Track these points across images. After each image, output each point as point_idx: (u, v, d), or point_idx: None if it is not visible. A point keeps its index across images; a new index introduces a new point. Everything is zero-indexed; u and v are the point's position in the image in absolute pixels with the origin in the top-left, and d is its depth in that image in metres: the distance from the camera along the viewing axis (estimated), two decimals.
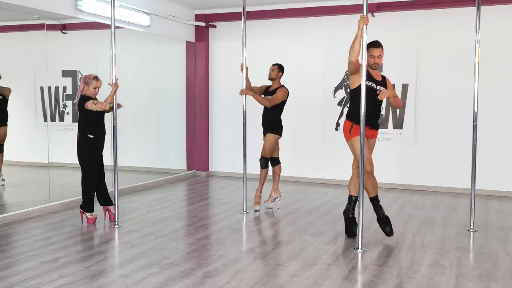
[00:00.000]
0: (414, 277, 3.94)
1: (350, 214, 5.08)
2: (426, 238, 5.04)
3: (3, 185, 6.69)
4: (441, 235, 5.16)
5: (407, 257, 4.45)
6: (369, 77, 4.81)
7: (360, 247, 4.59)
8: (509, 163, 7.26)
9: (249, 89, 6.06)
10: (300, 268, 4.13)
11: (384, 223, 4.95)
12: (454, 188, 7.51)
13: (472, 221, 5.34)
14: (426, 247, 4.72)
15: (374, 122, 5.01)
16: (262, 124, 6.29)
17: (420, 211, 6.23)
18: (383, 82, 5.00)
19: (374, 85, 4.87)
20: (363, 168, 4.64)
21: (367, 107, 4.61)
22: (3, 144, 6.64)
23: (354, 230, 4.95)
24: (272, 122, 6.19)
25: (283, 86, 6.18)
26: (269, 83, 6.34)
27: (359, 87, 4.69)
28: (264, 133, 6.29)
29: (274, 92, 6.14)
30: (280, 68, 6.17)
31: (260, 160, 6.24)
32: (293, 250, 4.65)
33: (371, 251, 4.60)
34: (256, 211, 6.19)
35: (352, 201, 5.08)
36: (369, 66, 4.82)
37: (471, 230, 5.31)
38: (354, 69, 4.79)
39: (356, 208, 4.94)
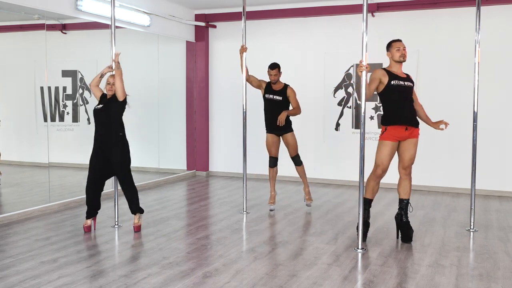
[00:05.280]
0: (414, 277, 3.94)
1: (404, 219, 4.91)
2: (426, 238, 5.04)
3: None
4: (441, 235, 5.16)
5: (407, 257, 4.45)
6: (395, 76, 4.80)
7: (360, 247, 4.59)
8: (509, 163, 7.26)
9: (285, 111, 6.00)
10: (300, 268, 4.13)
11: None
12: (454, 188, 7.51)
13: (472, 221, 5.34)
14: (426, 247, 4.71)
15: (410, 119, 4.88)
16: (276, 127, 6.12)
17: (420, 211, 6.23)
18: (409, 78, 4.93)
19: (402, 82, 4.81)
20: (362, 169, 4.64)
21: (401, 106, 4.77)
22: None
23: (410, 235, 4.85)
24: (287, 122, 6.16)
25: (288, 85, 6.16)
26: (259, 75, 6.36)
27: (383, 89, 4.79)
28: (279, 134, 6.17)
29: (282, 91, 6.08)
30: (279, 68, 6.12)
31: (296, 157, 6.22)
32: (293, 250, 4.65)
33: (371, 251, 4.60)
34: (308, 205, 6.33)
35: (403, 205, 4.91)
36: (397, 61, 4.83)
37: (471, 230, 5.31)
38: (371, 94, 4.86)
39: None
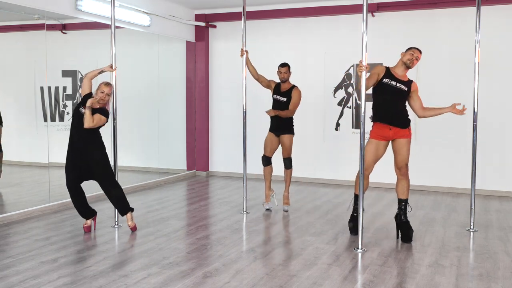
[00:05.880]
0: (414, 277, 3.94)
1: (403, 218, 4.92)
2: (426, 238, 5.04)
3: None
4: (441, 235, 5.16)
5: (407, 257, 4.45)
6: (391, 76, 4.85)
7: (360, 247, 4.59)
8: (509, 163, 7.26)
9: (274, 110, 5.99)
10: (300, 268, 4.13)
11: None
12: (454, 188, 7.51)
13: (472, 221, 5.34)
14: (426, 247, 4.72)
15: (394, 120, 4.91)
16: (276, 127, 6.14)
17: (420, 211, 6.23)
18: (408, 83, 4.95)
19: (394, 83, 4.85)
20: (363, 168, 4.65)
21: (386, 106, 4.83)
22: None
23: (410, 235, 4.84)
24: (289, 124, 6.15)
25: (296, 86, 6.11)
26: (267, 74, 6.33)
27: (376, 85, 4.86)
28: (278, 134, 6.17)
29: (287, 92, 6.06)
30: (289, 67, 6.12)
31: (287, 160, 6.22)
32: (293, 250, 4.65)
33: (371, 251, 4.60)
34: (285, 210, 6.24)
35: (402, 205, 4.92)
36: (403, 62, 4.90)
37: (471, 230, 5.31)
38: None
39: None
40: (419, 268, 4.16)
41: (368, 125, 7.84)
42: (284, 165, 6.27)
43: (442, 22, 7.54)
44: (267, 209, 6.26)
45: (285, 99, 6.06)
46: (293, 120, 6.20)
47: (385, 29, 7.70)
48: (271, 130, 6.22)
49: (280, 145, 6.24)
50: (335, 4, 8.02)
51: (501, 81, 7.23)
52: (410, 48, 4.95)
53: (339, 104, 8.20)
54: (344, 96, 8.14)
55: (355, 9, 7.69)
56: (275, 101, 6.15)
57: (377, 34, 7.53)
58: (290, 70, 6.12)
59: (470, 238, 5.09)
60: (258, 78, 6.15)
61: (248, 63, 6.05)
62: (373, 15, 7.76)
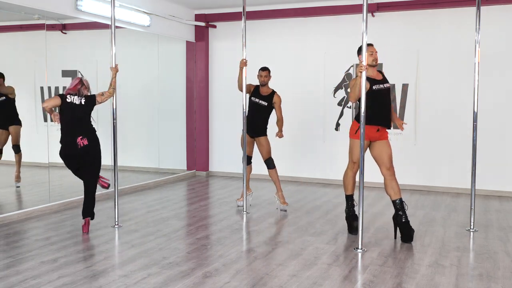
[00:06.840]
0: (414, 277, 3.94)
1: (403, 219, 4.87)
2: (426, 238, 5.04)
3: (18, 187, 6.71)
4: (441, 235, 5.16)
5: (407, 257, 4.45)
6: (376, 81, 4.88)
7: (360, 247, 4.59)
8: (509, 163, 7.26)
9: (281, 132, 6.22)
10: (300, 268, 4.13)
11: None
12: (454, 188, 7.51)
13: (472, 221, 5.34)
14: (426, 247, 4.72)
15: (387, 121, 5.02)
16: (252, 129, 6.22)
17: (420, 211, 6.23)
18: (384, 79, 5.03)
19: (382, 86, 4.93)
20: (362, 168, 4.65)
21: (380, 108, 4.86)
22: (18, 145, 6.60)
23: (411, 235, 4.83)
24: (264, 126, 6.26)
25: (275, 92, 6.21)
26: (249, 79, 6.38)
27: (367, 92, 4.72)
28: (253, 136, 6.26)
29: (268, 97, 6.17)
30: (270, 72, 6.22)
31: (269, 160, 6.27)
32: (293, 250, 4.65)
33: (371, 251, 4.60)
34: (284, 210, 6.25)
35: (398, 205, 4.88)
36: (369, 65, 4.87)
37: (471, 230, 5.31)
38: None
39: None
40: (419, 268, 4.16)
41: None
42: (267, 166, 6.31)
43: (442, 22, 7.54)
44: (239, 206, 6.40)
45: (265, 104, 6.17)
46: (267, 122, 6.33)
47: (385, 29, 7.69)
48: (247, 131, 6.21)
49: (257, 147, 6.33)
50: (335, 4, 8.02)
51: (501, 81, 7.23)
52: (363, 48, 4.77)
53: (339, 104, 8.20)
54: (344, 96, 8.14)
55: (355, 9, 7.69)
56: (253, 104, 6.22)
57: (377, 34, 7.53)
58: (270, 74, 6.23)
59: (470, 238, 5.09)
60: (240, 86, 6.17)
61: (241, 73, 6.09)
62: (373, 15, 7.76)
